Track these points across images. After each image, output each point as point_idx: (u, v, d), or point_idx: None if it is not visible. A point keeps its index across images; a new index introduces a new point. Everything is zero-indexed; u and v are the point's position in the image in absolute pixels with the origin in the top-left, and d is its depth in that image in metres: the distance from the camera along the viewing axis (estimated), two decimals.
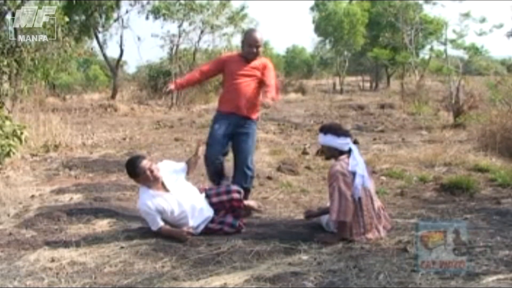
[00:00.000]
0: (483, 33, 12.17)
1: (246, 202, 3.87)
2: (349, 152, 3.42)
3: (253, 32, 4.25)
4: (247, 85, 4.13)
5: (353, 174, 3.29)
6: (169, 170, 3.65)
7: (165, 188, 3.53)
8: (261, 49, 4.20)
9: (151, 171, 3.46)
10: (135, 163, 3.49)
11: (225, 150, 4.24)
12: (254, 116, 4.22)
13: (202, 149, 3.92)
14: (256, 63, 4.17)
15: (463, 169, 5.81)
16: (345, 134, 3.48)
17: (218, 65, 4.33)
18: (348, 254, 3.04)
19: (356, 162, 3.34)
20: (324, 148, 3.60)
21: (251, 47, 4.12)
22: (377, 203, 3.45)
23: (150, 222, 3.47)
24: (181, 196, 3.51)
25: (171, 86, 4.24)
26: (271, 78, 4.16)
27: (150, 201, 3.42)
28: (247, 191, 4.21)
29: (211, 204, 3.67)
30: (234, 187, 3.78)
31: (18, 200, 4.55)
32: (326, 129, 3.52)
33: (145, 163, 3.48)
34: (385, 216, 3.47)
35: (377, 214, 3.36)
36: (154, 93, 19.02)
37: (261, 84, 4.15)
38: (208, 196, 3.71)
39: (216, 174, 4.18)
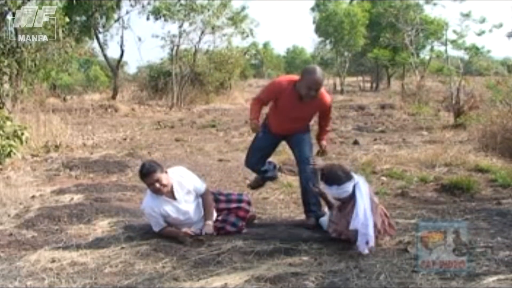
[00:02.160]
0: (483, 33, 12.13)
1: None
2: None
3: (315, 74, 3.59)
4: (297, 122, 3.85)
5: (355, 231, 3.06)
6: (185, 179, 3.48)
7: (173, 195, 3.43)
8: (317, 92, 3.65)
9: (155, 189, 3.35)
10: (144, 172, 3.36)
11: (266, 159, 4.10)
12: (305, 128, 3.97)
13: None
14: (312, 103, 3.71)
15: (464, 169, 5.81)
16: (339, 182, 3.15)
17: (273, 95, 3.84)
18: (349, 255, 3.04)
19: (359, 219, 3.03)
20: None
21: (310, 89, 3.59)
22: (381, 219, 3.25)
23: (152, 223, 3.46)
24: (186, 207, 3.47)
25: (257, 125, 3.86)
26: (329, 120, 3.99)
27: (155, 205, 3.38)
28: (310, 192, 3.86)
29: (217, 210, 3.62)
30: (246, 198, 3.73)
31: (18, 200, 4.55)
32: (321, 175, 3.34)
33: (153, 176, 3.32)
34: (389, 226, 3.31)
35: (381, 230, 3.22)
36: (154, 93, 19.03)
37: (312, 117, 3.96)
38: (216, 201, 3.65)
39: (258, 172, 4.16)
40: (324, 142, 4.02)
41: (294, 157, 4.02)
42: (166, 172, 3.41)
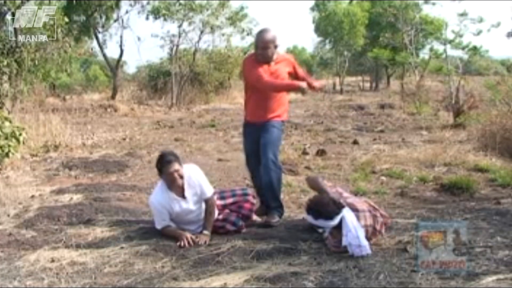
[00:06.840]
0: (480, 33, 12.15)
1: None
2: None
3: (261, 33, 3.81)
4: (265, 93, 3.87)
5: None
6: (195, 178, 3.45)
7: (183, 193, 3.41)
8: (271, 50, 3.79)
9: (173, 179, 3.32)
10: (166, 160, 3.33)
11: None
12: (278, 118, 3.96)
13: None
14: (274, 65, 3.85)
15: (463, 169, 5.81)
16: (326, 217, 3.03)
17: (244, 73, 4.04)
18: (348, 254, 3.03)
19: (350, 234, 2.98)
20: None
21: (260, 49, 3.78)
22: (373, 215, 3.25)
23: (156, 219, 3.45)
24: (191, 206, 3.46)
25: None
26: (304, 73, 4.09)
27: (165, 200, 3.37)
28: (269, 189, 3.83)
29: (224, 206, 3.65)
30: (251, 192, 3.77)
31: (18, 200, 4.55)
32: (307, 207, 3.19)
33: (174, 165, 3.30)
34: (381, 216, 3.34)
35: (374, 227, 3.22)
36: (154, 93, 19.03)
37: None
38: (222, 198, 3.67)
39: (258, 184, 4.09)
40: (316, 84, 4.09)
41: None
42: (182, 165, 3.39)
